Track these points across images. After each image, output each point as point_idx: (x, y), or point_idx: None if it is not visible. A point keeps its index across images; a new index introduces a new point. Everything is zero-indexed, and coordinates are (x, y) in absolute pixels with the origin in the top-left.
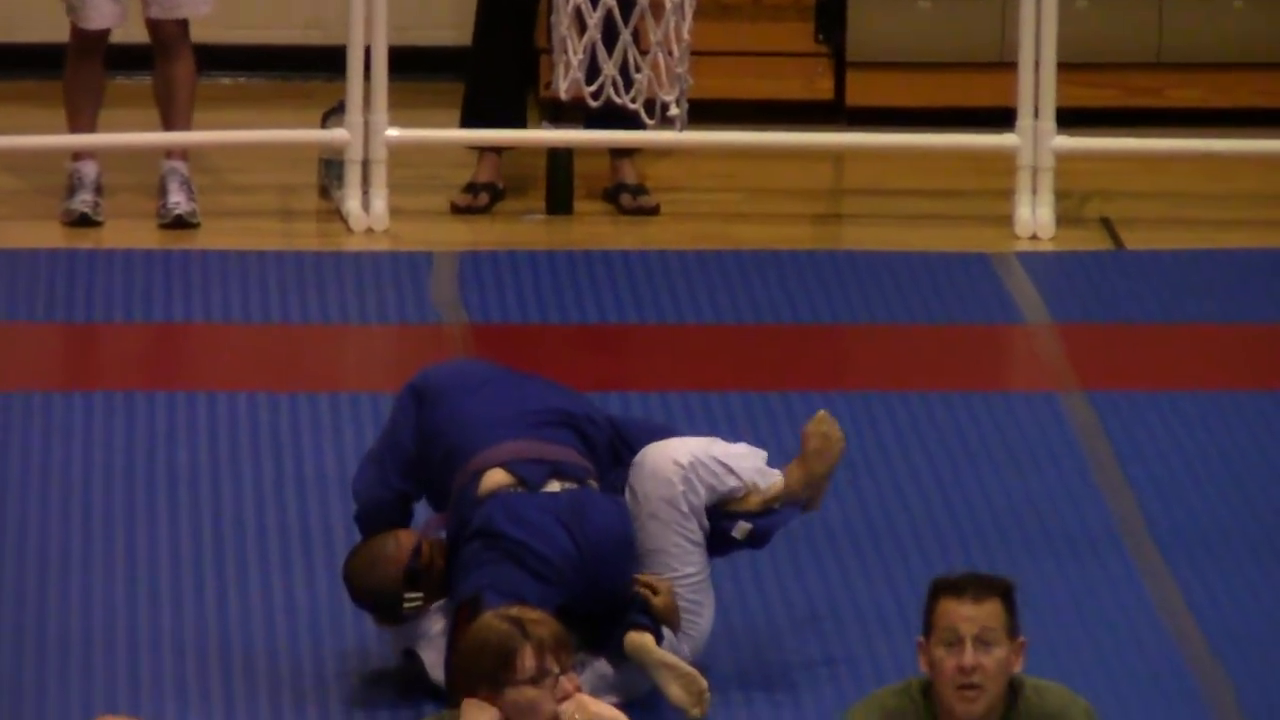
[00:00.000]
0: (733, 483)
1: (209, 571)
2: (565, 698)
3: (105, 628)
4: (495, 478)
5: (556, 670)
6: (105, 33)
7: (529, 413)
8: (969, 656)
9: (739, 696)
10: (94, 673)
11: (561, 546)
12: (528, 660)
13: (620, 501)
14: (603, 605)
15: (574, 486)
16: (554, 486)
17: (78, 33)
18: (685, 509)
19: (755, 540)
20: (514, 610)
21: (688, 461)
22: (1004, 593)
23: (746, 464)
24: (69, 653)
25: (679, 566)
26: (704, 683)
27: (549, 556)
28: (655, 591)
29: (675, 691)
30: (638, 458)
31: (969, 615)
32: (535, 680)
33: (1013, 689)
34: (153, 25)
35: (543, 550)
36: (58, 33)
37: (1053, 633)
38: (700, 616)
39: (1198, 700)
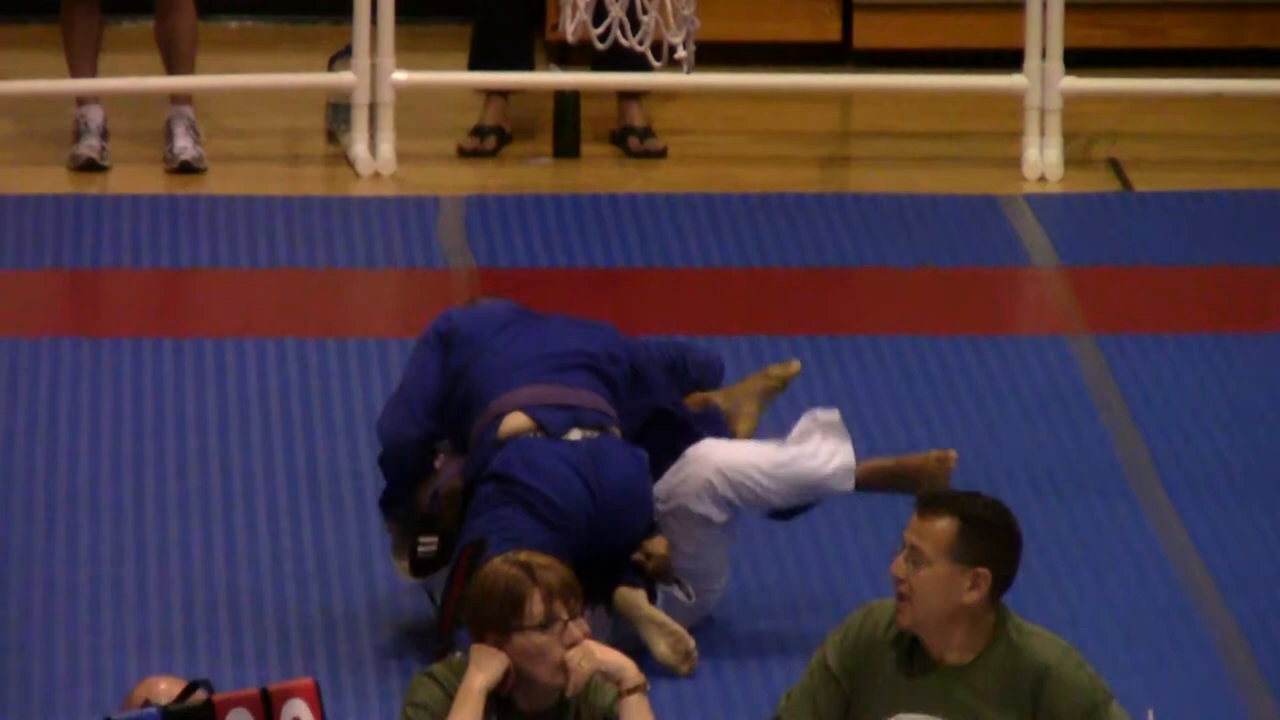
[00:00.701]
0: (774, 500)
1: (218, 518)
2: (573, 644)
3: (114, 574)
4: (515, 421)
5: (565, 616)
6: None
7: (551, 355)
8: (896, 565)
9: (746, 642)
10: (101, 619)
11: (576, 496)
12: (536, 606)
13: (640, 454)
14: (609, 557)
15: (594, 435)
16: (574, 435)
17: None
18: (706, 524)
19: (779, 517)
20: (523, 555)
21: (721, 488)
22: (964, 515)
23: (800, 468)
24: (77, 599)
25: (688, 565)
26: (691, 642)
27: (562, 505)
28: (649, 556)
29: (662, 649)
30: (687, 452)
31: (913, 526)
32: (544, 626)
33: (996, 626)
34: None
35: (555, 499)
36: None
37: (1060, 574)
38: (700, 596)
39: (1205, 640)
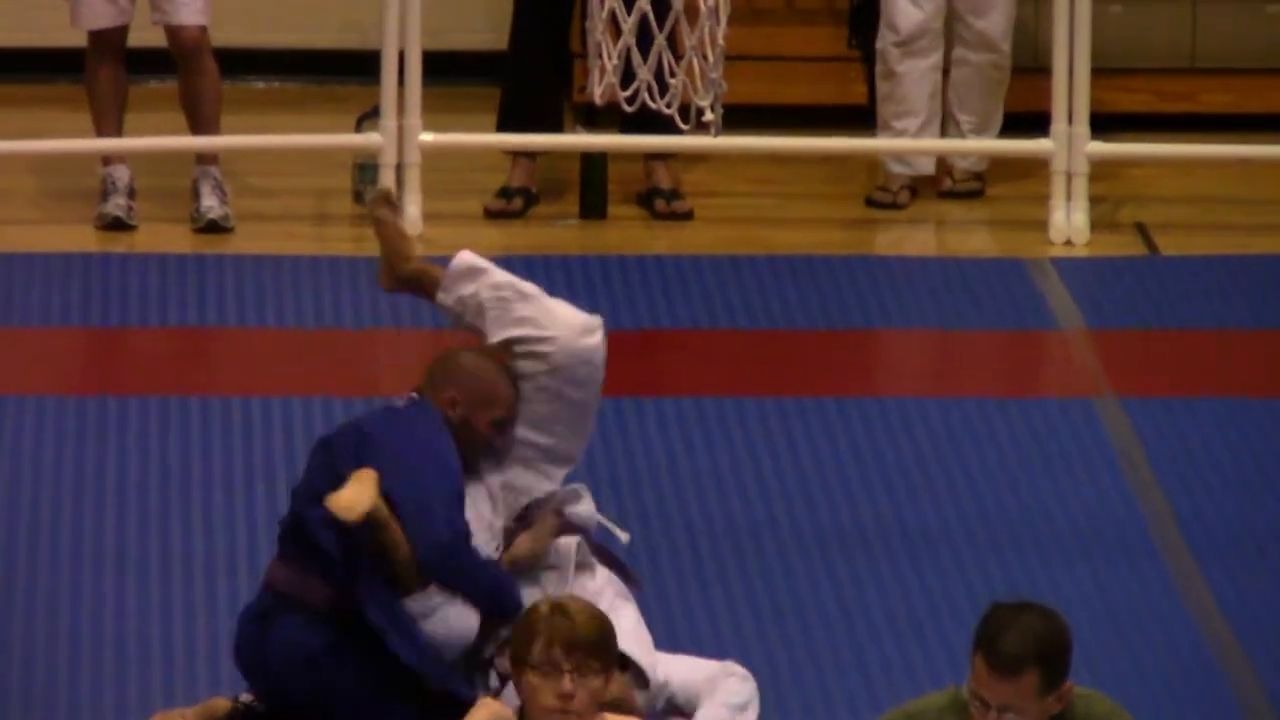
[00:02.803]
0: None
1: (244, 578)
2: (566, 696)
3: (139, 634)
4: None
5: (567, 668)
6: (115, 33)
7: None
8: None
9: (770, 698)
10: (127, 679)
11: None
12: (539, 648)
13: (310, 648)
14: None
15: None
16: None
17: (90, 35)
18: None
19: None
20: (563, 598)
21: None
22: (1043, 659)
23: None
24: (102, 658)
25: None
26: None
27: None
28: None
29: None
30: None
31: (997, 689)
32: (540, 667)
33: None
34: (169, 33)
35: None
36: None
37: (1086, 637)
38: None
39: (1230, 704)
